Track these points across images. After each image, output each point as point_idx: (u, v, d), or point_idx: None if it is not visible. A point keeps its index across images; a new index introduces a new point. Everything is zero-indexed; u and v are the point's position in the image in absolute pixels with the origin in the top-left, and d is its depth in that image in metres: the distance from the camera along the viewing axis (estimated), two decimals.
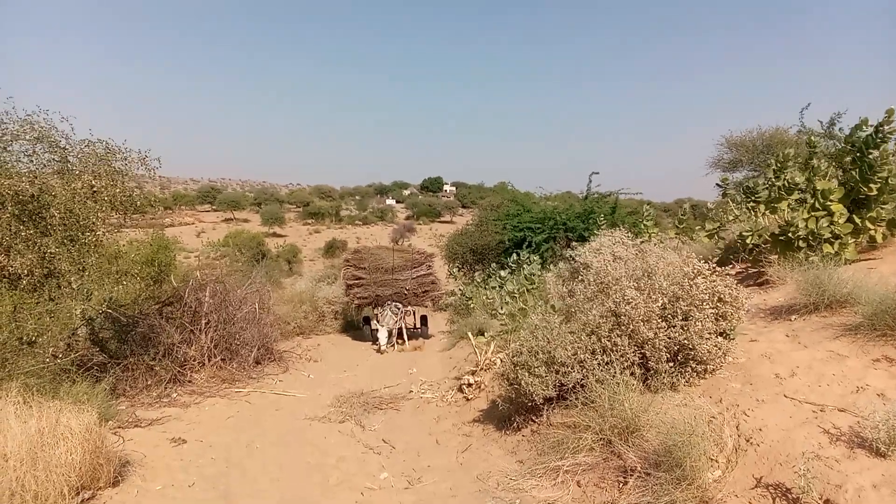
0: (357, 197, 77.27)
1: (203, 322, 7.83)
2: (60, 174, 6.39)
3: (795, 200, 6.65)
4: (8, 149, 6.17)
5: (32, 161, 6.32)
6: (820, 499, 2.80)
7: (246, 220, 54.37)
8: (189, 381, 7.24)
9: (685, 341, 4.20)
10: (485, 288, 12.14)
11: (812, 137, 7.98)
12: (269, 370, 8.47)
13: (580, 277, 5.39)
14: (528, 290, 10.02)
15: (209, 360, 7.65)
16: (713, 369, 4.28)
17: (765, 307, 5.44)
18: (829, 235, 5.84)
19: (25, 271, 5.93)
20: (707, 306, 4.27)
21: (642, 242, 5.77)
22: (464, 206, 64.62)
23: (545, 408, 4.74)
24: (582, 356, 4.45)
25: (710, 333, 4.20)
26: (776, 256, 6.20)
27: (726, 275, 4.60)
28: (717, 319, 4.30)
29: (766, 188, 7.35)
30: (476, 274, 13.66)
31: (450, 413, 6.39)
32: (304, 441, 5.70)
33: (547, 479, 3.91)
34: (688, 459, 3.15)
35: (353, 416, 6.46)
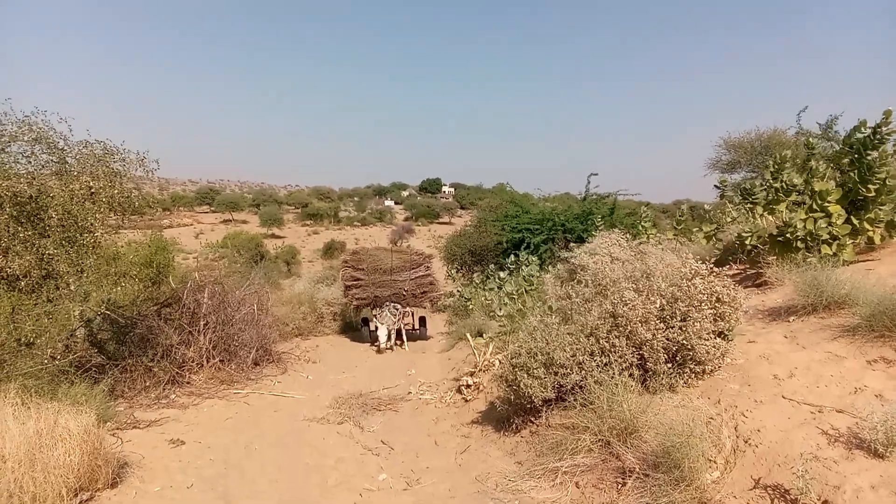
0: (356, 198, 77.27)
1: (201, 323, 7.81)
2: (59, 175, 6.39)
3: (793, 202, 6.66)
4: (6, 150, 6.17)
5: (31, 162, 6.32)
6: (818, 500, 2.80)
7: (244, 222, 54.31)
8: (187, 383, 7.23)
9: (684, 341, 4.20)
10: (483, 289, 12.13)
11: (810, 139, 8.01)
12: (268, 371, 8.45)
13: (578, 279, 5.40)
14: (526, 292, 10.02)
15: (208, 362, 7.63)
16: (711, 370, 4.29)
17: (763, 308, 5.45)
18: (828, 236, 5.85)
19: (24, 272, 5.92)
20: (705, 307, 4.28)
21: (640, 244, 5.78)
22: (462, 208, 64.62)
23: (544, 409, 4.74)
24: (581, 358, 4.45)
25: (708, 334, 4.21)
26: (774, 258, 6.22)
27: (724, 275, 4.61)
28: (715, 320, 4.31)
29: (764, 189, 7.37)
30: (475, 275, 13.65)
31: (448, 414, 6.39)
32: (302, 442, 5.70)
33: (545, 480, 3.92)
34: (686, 460, 3.16)
35: (351, 418, 6.46)
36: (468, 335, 8.84)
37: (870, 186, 5.85)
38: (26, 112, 6.22)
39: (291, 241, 43.53)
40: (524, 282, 10.70)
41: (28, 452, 3.51)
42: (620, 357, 4.32)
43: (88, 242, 6.35)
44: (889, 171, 5.77)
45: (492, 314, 9.94)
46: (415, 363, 9.59)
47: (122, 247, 8.49)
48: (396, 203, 78.12)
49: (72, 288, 6.29)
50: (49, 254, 6.02)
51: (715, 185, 11.03)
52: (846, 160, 6.38)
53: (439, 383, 7.73)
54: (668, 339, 4.27)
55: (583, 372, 4.40)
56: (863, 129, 6.09)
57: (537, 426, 4.77)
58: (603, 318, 4.56)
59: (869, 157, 5.88)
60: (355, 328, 13.43)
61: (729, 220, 8.66)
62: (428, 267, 13.07)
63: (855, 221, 5.94)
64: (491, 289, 11.76)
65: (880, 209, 5.93)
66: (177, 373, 7.21)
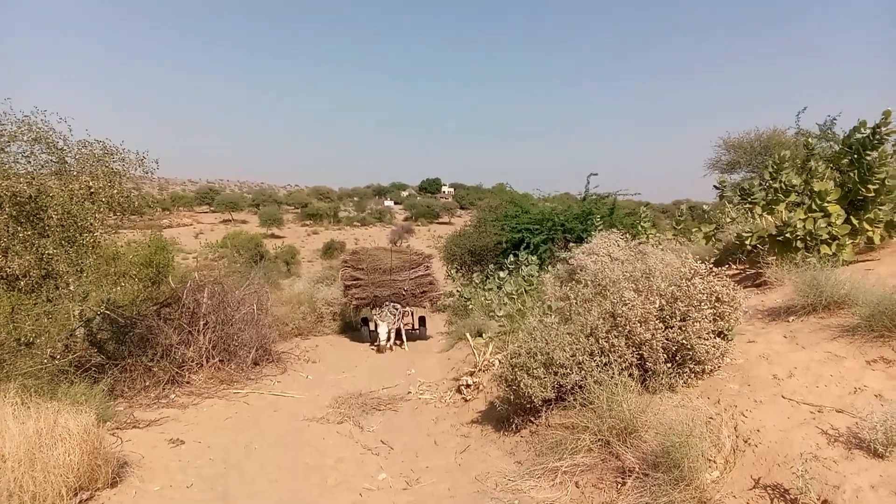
0: (355, 198, 77.31)
1: (201, 323, 7.81)
2: (58, 175, 6.40)
3: (792, 202, 6.67)
4: (6, 150, 6.18)
5: (30, 162, 6.33)
6: (818, 499, 2.81)
7: (244, 222, 54.33)
8: (187, 382, 7.23)
9: (683, 341, 4.21)
10: (483, 289, 12.13)
11: (809, 139, 8.01)
12: (268, 371, 8.45)
13: (578, 279, 5.41)
14: (526, 292, 10.02)
15: (207, 362, 7.63)
16: (711, 370, 4.29)
17: (763, 308, 5.45)
18: (827, 236, 5.86)
19: (23, 272, 5.92)
20: (705, 306, 4.28)
21: (640, 244, 5.78)
22: (462, 208, 64.67)
23: (543, 409, 4.74)
24: (580, 357, 4.45)
25: (708, 334, 4.21)
26: (774, 258, 6.22)
27: (724, 275, 4.61)
28: (714, 319, 4.31)
29: (763, 189, 7.37)
30: (474, 275, 13.65)
31: (448, 414, 6.39)
32: (302, 442, 5.70)
33: (545, 479, 3.92)
34: (686, 460, 3.16)
35: (351, 417, 6.46)
36: (468, 335, 8.84)
37: (869, 186, 5.85)
38: (26, 112, 6.23)
39: (291, 241, 43.56)
40: (524, 282, 10.70)
41: (28, 452, 3.51)
42: (620, 357, 4.32)
43: (88, 242, 6.35)
44: (888, 172, 5.78)
45: (491, 314, 9.93)
46: (414, 363, 9.59)
47: (122, 247, 8.50)
48: (396, 203, 78.14)
49: (71, 288, 6.29)
50: (49, 254, 6.02)
51: (714, 186, 11.03)
52: (845, 160, 6.39)
53: (439, 383, 7.73)
54: (667, 339, 4.27)
55: (582, 372, 4.40)
56: (862, 129, 6.10)
57: (537, 426, 4.77)
58: (602, 317, 4.57)
59: (868, 158, 5.89)
60: (355, 328, 13.44)
61: (728, 220, 8.66)
62: (427, 267, 13.07)
63: (854, 221, 5.95)
64: (490, 289, 11.75)
65: (880, 209, 5.94)
66: (176, 372, 7.21)
